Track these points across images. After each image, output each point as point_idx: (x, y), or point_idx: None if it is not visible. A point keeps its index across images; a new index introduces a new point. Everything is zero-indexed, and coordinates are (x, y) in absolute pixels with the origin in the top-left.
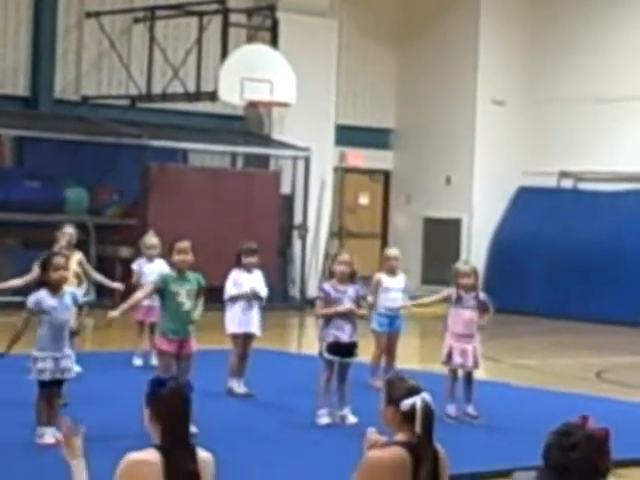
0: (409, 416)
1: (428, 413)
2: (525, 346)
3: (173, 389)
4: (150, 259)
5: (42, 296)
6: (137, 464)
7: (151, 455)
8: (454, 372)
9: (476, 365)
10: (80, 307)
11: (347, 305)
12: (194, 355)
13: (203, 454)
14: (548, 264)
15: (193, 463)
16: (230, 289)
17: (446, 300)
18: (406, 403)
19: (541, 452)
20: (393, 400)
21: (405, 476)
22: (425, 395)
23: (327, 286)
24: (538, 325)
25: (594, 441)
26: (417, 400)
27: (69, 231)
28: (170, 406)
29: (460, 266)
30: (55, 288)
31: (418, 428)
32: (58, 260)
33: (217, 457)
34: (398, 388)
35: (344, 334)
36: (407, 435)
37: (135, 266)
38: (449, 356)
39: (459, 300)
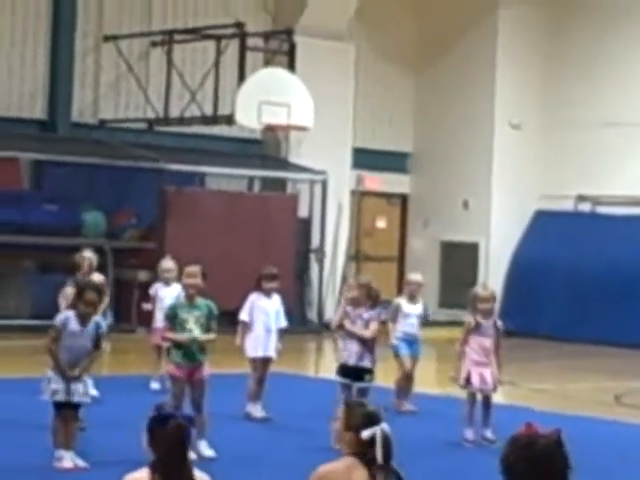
0: (366, 444)
1: (387, 443)
2: (542, 370)
3: (173, 429)
4: (166, 283)
5: (70, 317)
6: None
7: (147, 475)
8: (473, 396)
9: (494, 388)
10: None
11: (362, 329)
12: (207, 380)
13: (199, 474)
14: (565, 288)
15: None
16: (244, 314)
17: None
18: (366, 434)
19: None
20: (352, 426)
21: (353, 475)
22: (384, 425)
23: (349, 307)
24: (555, 349)
25: (555, 445)
26: (377, 431)
27: (89, 255)
28: (168, 444)
29: (480, 291)
30: (83, 319)
31: (379, 458)
32: (90, 296)
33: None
34: (358, 415)
35: (351, 357)
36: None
37: (152, 290)
38: (468, 380)
39: (478, 327)
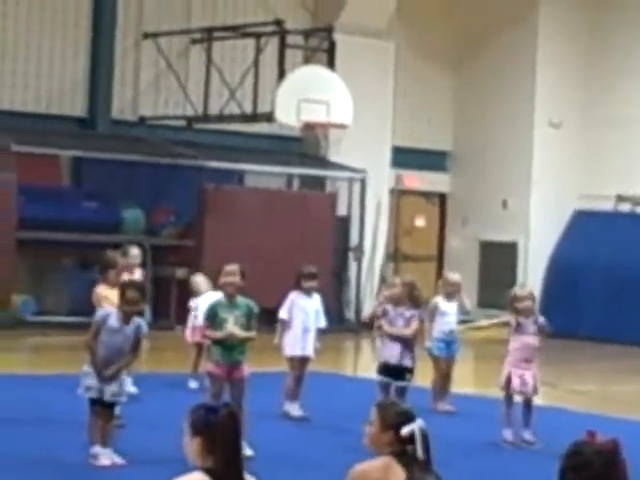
0: (406, 441)
1: (426, 437)
2: (582, 371)
3: (226, 415)
4: (196, 296)
5: (111, 314)
6: None
7: (201, 478)
8: (511, 398)
9: (535, 391)
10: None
11: (403, 328)
12: (247, 379)
13: (249, 478)
14: (605, 288)
15: None
16: (284, 312)
17: (505, 325)
18: (405, 430)
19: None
20: (390, 426)
21: (395, 474)
22: (420, 421)
23: (388, 306)
24: (594, 350)
25: (604, 455)
26: (415, 426)
27: (136, 253)
28: (224, 433)
29: (517, 290)
30: (125, 318)
31: (420, 452)
32: (132, 295)
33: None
34: (393, 414)
35: (392, 356)
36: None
37: (192, 303)
38: (508, 382)
39: (519, 326)
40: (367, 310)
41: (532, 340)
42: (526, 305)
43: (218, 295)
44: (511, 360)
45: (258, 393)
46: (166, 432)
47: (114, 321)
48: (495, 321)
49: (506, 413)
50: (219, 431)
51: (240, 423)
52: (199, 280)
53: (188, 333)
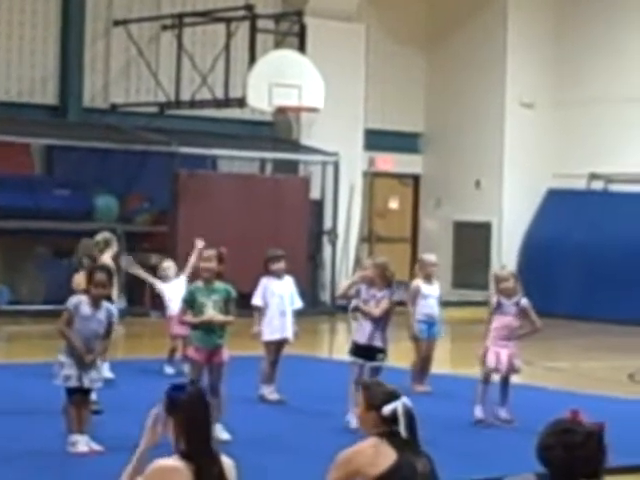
0: (390, 421)
1: (410, 416)
2: (557, 349)
3: (192, 394)
4: (165, 280)
5: (82, 301)
6: (166, 471)
7: (178, 462)
8: (487, 375)
9: (512, 370)
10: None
11: (373, 308)
12: (226, 363)
13: (225, 460)
14: (578, 266)
15: (219, 469)
16: (257, 298)
17: (483, 305)
18: (387, 408)
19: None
20: (373, 406)
21: (386, 455)
22: (405, 399)
23: (362, 286)
24: (569, 328)
25: (595, 437)
26: (398, 405)
27: (106, 236)
28: (191, 411)
29: (498, 271)
30: (94, 302)
31: (403, 431)
32: (100, 277)
33: (248, 463)
34: (377, 393)
35: (363, 336)
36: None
37: (158, 288)
38: (484, 357)
39: (499, 306)
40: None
41: (512, 321)
42: (506, 286)
43: (183, 282)
44: (490, 338)
45: (235, 377)
46: (142, 418)
47: (86, 308)
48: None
49: (481, 391)
50: (187, 410)
51: (209, 404)
52: (169, 266)
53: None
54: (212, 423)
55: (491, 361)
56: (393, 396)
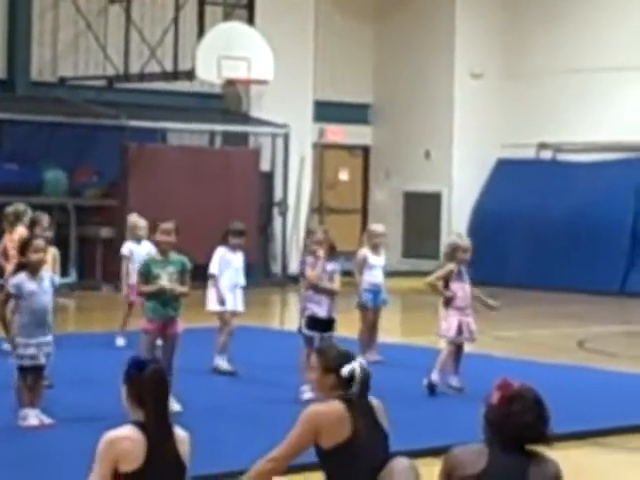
0: (346, 381)
1: (365, 376)
2: (506, 318)
3: (152, 372)
4: (138, 241)
5: (22, 279)
6: (118, 440)
7: (130, 431)
8: (458, 346)
9: (472, 338)
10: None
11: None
12: (180, 335)
13: (180, 432)
14: (528, 236)
15: (172, 440)
16: (215, 267)
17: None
18: (346, 369)
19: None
20: (331, 368)
21: (344, 426)
22: (361, 359)
23: (309, 259)
24: (519, 296)
25: (533, 403)
26: (355, 365)
27: (14, 210)
28: (149, 389)
29: (460, 241)
30: (34, 270)
31: (356, 389)
32: (38, 242)
33: (201, 433)
34: (334, 356)
35: (322, 309)
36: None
37: (124, 250)
38: (459, 331)
39: (460, 274)
40: (295, 268)
41: (470, 288)
42: (468, 256)
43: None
44: (456, 308)
45: (187, 349)
46: (94, 391)
47: (28, 283)
48: (443, 273)
49: (445, 360)
50: (145, 387)
51: (167, 381)
52: (142, 224)
53: (125, 290)
54: (168, 396)
55: (466, 332)
56: (349, 357)
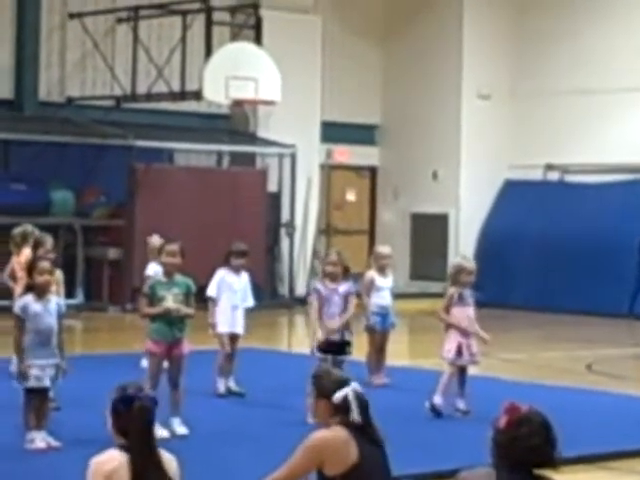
0: (342, 408)
1: (362, 401)
2: (514, 340)
3: (138, 409)
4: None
5: (28, 301)
6: (105, 462)
7: (116, 454)
8: (461, 369)
9: (474, 361)
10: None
11: (337, 303)
12: (186, 356)
13: (165, 454)
14: (536, 257)
15: (158, 462)
16: (212, 289)
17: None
18: (338, 395)
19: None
20: (324, 394)
21: (350, 452)
22: (355, 385)
23: (319, 285)
24: (526, 318)
25: (541, 427)
26: (348, 391)
27: (21, 232)
28: (135, 424)
29: (465, 263)
30: (41, 292)
31: (356, 416)
32: (43, 265)
33: (208, 456)
34: (327, 382)
35: (335, 333)
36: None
37: (150, 271)
38: (459, 353)
39: (461, 298)
40: (302, 289)
41: (472, 311)
42: (472, 279)
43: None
44: (457, 331)
45: (193, 370)
46: (101, 413)
47: (34, 305)
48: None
49: (447, 383)
50: (130, 423)
51: (154, 413)
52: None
53: None
54: (153, 429)
55: (466, 355)
56: (343, 383)
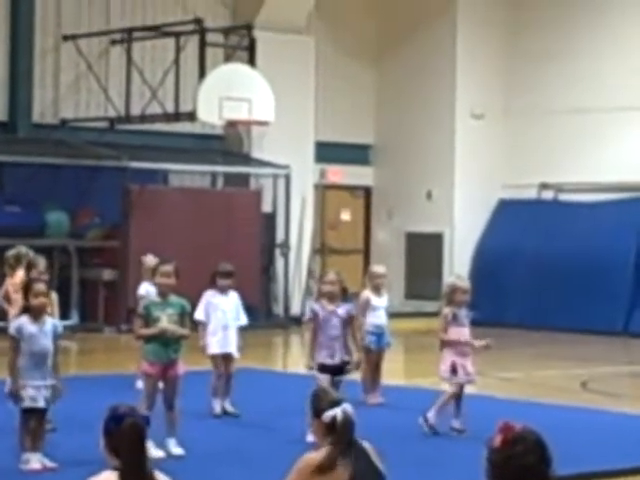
0: (332, 427)
1: (348, 423)
2: (509, 358)
3: (129, 427)
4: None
5: (23, 322)
6: None
7: (111, 475)
8: (461, 387)
9: (470, 380)
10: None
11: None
12: (181, 377)
13: (162, 476)
14: (531, 276)
15: None
16: (200, 313)
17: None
18: (327, 415)
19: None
20: (317, 414)
21: (338, 473)
22: (346, 406)
23: (316, 306)
24: (521, 337)
25: (535, 446)
26: (338, 412)
27: (15, 254)
28: (126, 443)
29: (459, 282)
30: (37, 314)
31: (339, 435)
32: (39, 287)
33: (203, 477)
34: (321, 401)
35: (333, 358)
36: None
37: (142, 291)
38: (453, 371)
39: (455, 318)
40: (297, 309)
41: (467, 331)
42: (467, 298)
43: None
44: (452, 351)
45: (189, 391)
46: (97, 434)
47: (29, 327)
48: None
49: (443, 401)
50: (121, 441)
51: (145, 432)
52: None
53: None
54: (145, 448)
55: (461, 374)
56: (333, 403)
